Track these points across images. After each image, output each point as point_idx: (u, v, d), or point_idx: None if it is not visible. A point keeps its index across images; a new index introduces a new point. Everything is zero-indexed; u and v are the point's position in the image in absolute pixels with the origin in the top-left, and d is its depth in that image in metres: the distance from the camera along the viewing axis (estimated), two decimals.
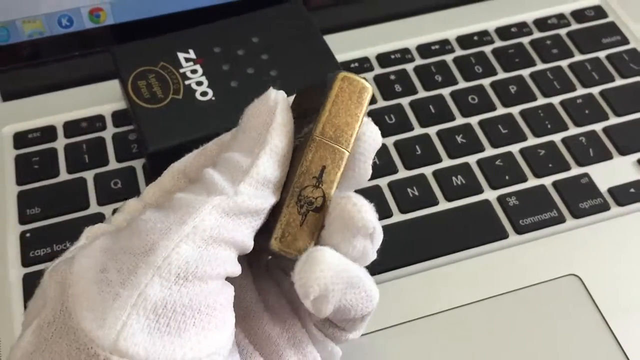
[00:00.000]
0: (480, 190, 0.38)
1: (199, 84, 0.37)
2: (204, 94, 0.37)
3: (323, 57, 0.39)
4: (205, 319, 0.21)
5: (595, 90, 0.43)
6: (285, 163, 0.24)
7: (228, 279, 0.23)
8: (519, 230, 0.36)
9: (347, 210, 0.23)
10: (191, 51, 0.39)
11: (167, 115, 0.36)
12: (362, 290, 0.24)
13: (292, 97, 0.27)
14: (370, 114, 0.41)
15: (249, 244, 0.23)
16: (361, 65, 0.44)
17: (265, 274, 0.28)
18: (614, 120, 0.42)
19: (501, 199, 0.37)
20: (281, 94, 0.25)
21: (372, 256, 0.24)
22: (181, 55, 0.39)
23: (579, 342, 0.32)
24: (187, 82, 0.37)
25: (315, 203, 0.24)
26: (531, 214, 0.37)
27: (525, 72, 0.44)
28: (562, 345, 0.32)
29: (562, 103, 0.42)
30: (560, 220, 0.37)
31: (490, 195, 0.38)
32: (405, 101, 0.42)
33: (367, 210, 0.23)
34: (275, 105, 0.25)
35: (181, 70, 0.38)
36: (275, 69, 0.38)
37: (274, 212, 0.24)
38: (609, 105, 0.42)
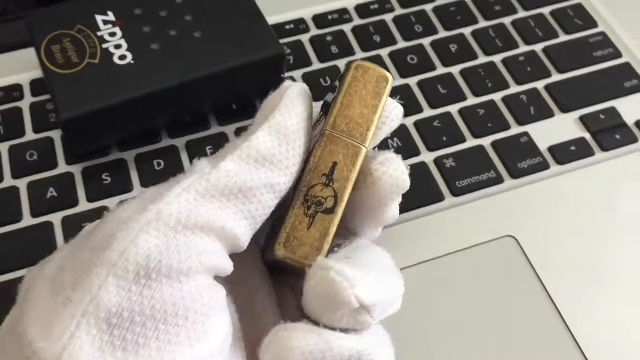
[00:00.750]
0: (417, 153, 0.37)
1: (118, 47, 0.35)
2: (122, 57, 0.35)
3: (252, 19, 0.37)
4: (173, 330, 0.18)
5: (538, 48, 0.42)
6: (297, 143, 0.21)
7: (238, 282, 0.21)
8: (456, 193, 0.35)
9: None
10: (110, 13, 0.37)
11: (82, 81, 0.34)
12: None
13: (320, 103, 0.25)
14: (305, 76, 0.39)
15: (237, 233, 0.20)
16: (297, 27, 0.42)
17: (291, 296, 0.25)
18: (556, 77, 0.40)
19: (438, 161, 0.36)
20: (297, 83, 0.23)
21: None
22: (99, 18, 0.36)
23: (516, 303, 0.31)
24: (104, 46, 0.35)
25: (325, 204, 0.21)
26: (468, 176, 0.36)
27: (467, 31, 0.42)
28: (499, 307, 0.31)
29: (504, 61, 0.41)
30: (499, 181, 0.36)
31: (427, 157, 0.36)
32: (342, 63, 0.40)
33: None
34: (286, 89, 0.22)
35: (99, 34, 0.36)
36: (199, 31, 0.36)
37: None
38: (552, 63, 0.41)
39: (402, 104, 0.24)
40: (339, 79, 0.24)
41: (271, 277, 0.25)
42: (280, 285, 0.25)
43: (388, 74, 0.22)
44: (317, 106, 0.24)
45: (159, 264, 0.18)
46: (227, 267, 0.20)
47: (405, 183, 0.23)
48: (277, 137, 0.21)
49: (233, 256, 0.21)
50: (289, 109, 0.22)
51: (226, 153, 0.21)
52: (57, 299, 0.18)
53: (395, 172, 0.22)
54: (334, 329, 0.20)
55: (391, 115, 0.24)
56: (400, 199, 0.23)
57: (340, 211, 0.21)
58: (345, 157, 0.21)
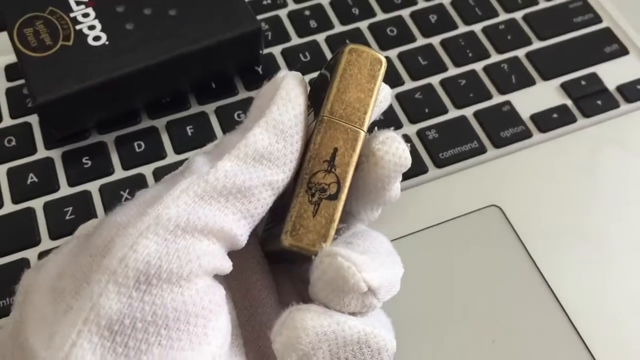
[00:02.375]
0: (399, 125, 0.36)
1: (91, 28, 0.34)
2: (96, 38, 0.34)
3: None
4: (175, 335, 0.18)
5: (518, 15, 0.41)
6: (294, 138, 0.21)
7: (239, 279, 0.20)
8: (439, 164, 0.35)
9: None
10: None
11: (56, 63, 0.33)
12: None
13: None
14: (284, 52, 0.39)
15: (237, 233, 0.20)
16: (274, 2, 0.41)
17: (291, 287, 0.25)
18: (537, 44, 0.40)
19: (421, 133, 0.36)
20: (292, 73, 0.22)
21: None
22: None
23: (502, 272, 0.32)
24: (78, 27, 0.34)
25: (328, 190, 0.21)
26: (451, 147, 0.35)
27: (446, 1, 0.42)
28: (485, 276, 0.31)
29: (484, 30, 0.40)
30: (481, 150, 0.36)
31: (409, 129, 0.36)
32: (321, 37, 0.40)
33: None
34: (281, 80, 0.22)
35: (72, 15, 0.35)
36: (174, 9, 0.35)
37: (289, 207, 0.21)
38: (532, 30, 0.41)
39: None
40: (330, 63, 0.23)
41: (269, 267, 0.25)
42: (278, 275, 0.25)
43: (382, 56, 0.22)
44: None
45: (159, 270, 0.18)
46: (226, 267, 0.20)
47: (407, 160, 0.23)
48: (274, 133, 0.21)
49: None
50: (285, 102, 0.21)
51: (223, 151, 0.20)
52: (57, 307, 0.17)
53: (397, 151, 0.22)
54: (341, 313, 0.20)
55: (379, 96, 0.23)
56: (400, 178, 0.23)
57: (343, 196, 0.21)
58: (345, 142, 0.21)
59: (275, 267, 0.25)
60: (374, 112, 0.23)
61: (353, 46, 0.22)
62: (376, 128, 0.25)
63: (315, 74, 0.38)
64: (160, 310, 0.18)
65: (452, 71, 0.39)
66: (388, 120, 0.36)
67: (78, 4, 0.35)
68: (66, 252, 0.19)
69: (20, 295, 0.20)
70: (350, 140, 0.21)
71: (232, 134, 0.22)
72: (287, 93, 0.21)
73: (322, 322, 0.19)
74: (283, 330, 0.19)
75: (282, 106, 0.21)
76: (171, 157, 0.35)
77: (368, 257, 0.21)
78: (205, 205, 0.19)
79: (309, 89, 0.24)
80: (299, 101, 0.22)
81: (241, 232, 0.20)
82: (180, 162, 0.34)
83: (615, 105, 0.37)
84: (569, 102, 0.38)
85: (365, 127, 0.22)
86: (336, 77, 0.22)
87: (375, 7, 0.41)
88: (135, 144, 0.35)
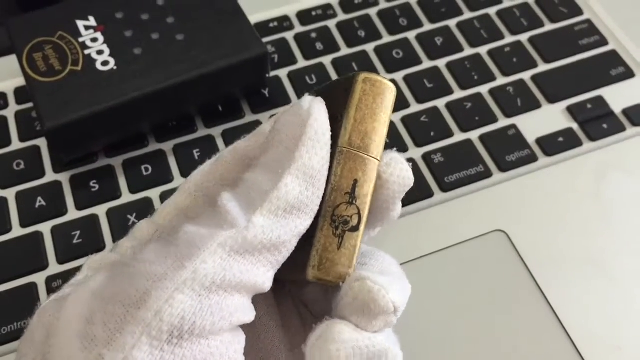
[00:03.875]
0: (405, 149, 0.36)
1: (100, 53, 0.35)
2: (105, 63, 0.34)
3: (234, 18, 0.37)
4: None
5: (523, 37, 0.41)
6: (321, 181, 0.21)
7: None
8: (445, 188, 0.35)
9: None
10: (91, 18, 0.36)
11: (65, 88, 0.33)
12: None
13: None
14: (290, 74, 0.39)
15: (266, 285, 0.20)
16: (281, 25, 0.42)
17: (293, 307, 0.25)
18: (543, 67, 0.40)
19: (426, 157, 0.36)
20: (318, 101, 0.22)
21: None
22: (80, 24, 0.36)
23: (507, 297, 0.32)
24: (86, 52, 0.35)
25: (351, 222, 0.21)
26: (457, 170, 0.36)
27: (452, 23, 0.42)
28: (490, 302, 0.31)
29: (489, 52, 0.41)
30: (487, 174, 0.36)
31: (415, 153, 0.36)
32: (327, 60, 0.40)
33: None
34: (308, 115, 0.21)
35: (80, 40, 0.35)
36: (182, 34, 0.36)
37: (306, 237, 0.22)
38: (538, 52, 0.41)
39: None
40: (340, 84, 0.23)
41: (272, 291, 0.25)
42: (279, 295, 0.25)
43: (393, 85, 0.23)
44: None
45: (193, 326, 0.18)
46: (250, 317, 0.20)
47: (411, 181, 0.23)
48: (304, 180, 0.20)
49: None
50: (314, 143, 0.21)
51: (253, 201, 0.20)
52: (89, 355, 0.18)
53: (401, 172, 0.23)
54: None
55: None
56: (403, 196, 0.24)
57: (363, 227, 0.22)
58: (363, 173, 0.22)
59: (277, 289, 0.25)
60: None
61: (367, 75, 0.22)
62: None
63: None
64: None
65: (458, 94, 0.39)
66: (394, 143, 0.36)
67: (87, 28, 0.36)
68: (90, 292, 0.19)
69: (38, 333, 0.20)
70: (369, 171, 0.22)
71: (259, 169, 0.21)
72: (316, 132, 0.21)
73: (357, 337, 0.20)
74: (321, 343, 0.20)
75: (312, 148, 0.21)
76: (178, 181, 0.35)
77: (388, 279, 0.22)
78: (240, 259, 0.19)
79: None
80: (327, 138, 0.21)
81: (269, 282, 0.20)
82: None
83: (622, 128, 0.37)
84: (574, 126, 0.38)
85: (380, 156, 0.22)
86: (352, 107, 0.22)
87: (382, 29, 0.42)
88: (143, 167, 0.35)
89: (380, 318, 0.21)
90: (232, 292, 0.19)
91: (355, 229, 0.21)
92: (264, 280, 0.20)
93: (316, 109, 0.21)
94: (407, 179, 0.23)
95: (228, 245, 0.19)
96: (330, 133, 0.22)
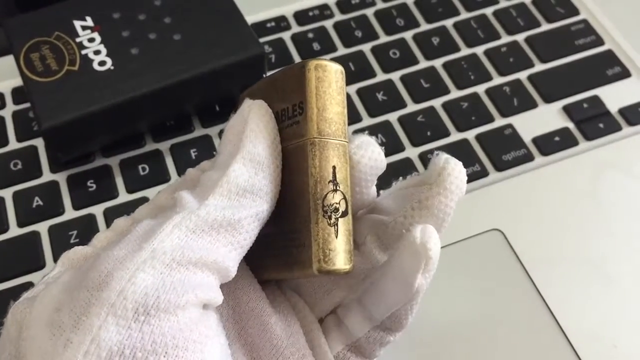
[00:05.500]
0: (401, 148, 0.37)
1: (97, 53, 0.35)
2: (102, 63, 0.35)
3: (231, 18, 0.37)
4: None
5: (520, 37, 0.42)
6: (271, 167, 0.22)
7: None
8: None
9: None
10: (88, 18, 0.36)
11: (62, 88, 0.33)
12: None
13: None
14: None
15: (228, 265, 0.20)
16: (278, 25, 0.42)
17: (280, 293, 0.26)
18: (539, 67, 0.40)
19: (423, 156, 0.36)
20: (257, 102, 0.23)
21: None
22: (77, 24, 0.36)
23: (503, 296, 0.32)
24: (83, 52, 0.35)
25: (340, 208, 0.22)
26: None
27: (449, 23, 0.42)
28: (487, 300, 0.31)
29: (486, 52, 0.41)
30: (484, 174, 0.36)
31: (411, 152, 0.36)
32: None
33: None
34: (248, 112, 0.22)
35: (77, 40, 0.35)
36: (179, 33, 0.36)
37: (274, 240, 0.23)
38: (534, 52, 0.41)
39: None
40: (288, 72, 0.23)
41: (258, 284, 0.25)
42: (266, 285, 0.26)
43: (341, 66, 0.23)
44: None
45: (157, 300, 0.18)
46: (219, 299, 0.21)
47: (383, 163, 0.23)
48: (251, 166, 0.21)
49: None
50: (256, 134, 0.22)
51: (206, 189, 0.21)
52: (57, 342, 0.18)
53: (372, 154, 0.23)
54: None
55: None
56: (376, 181, 0.24)
57: (351, 210, 0.22)
58: (338, 158, 0.22)
59: (282, 301, 0.26)
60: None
61: (317, 62, 0.22)
62: (351, 133, 0.25)
63: None
64: (159, 338, 0.18)
65: (454, 94, 0.39)
66: (390, 142, 0.36)
67: (84, 28, 0.36)
68: (61, 285, 0.20)
69: (12, 328, 0.20)
70: (342, 154, 0.22)
71: (211, 172, 0.22)
72: (257, 124, 0.22)
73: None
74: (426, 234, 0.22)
75: (255, 137, 0.22)
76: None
77: None
78: (197, 238, 0.20)
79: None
80: (269, 129, 0.22)
81: (232, 264, 0.21)
82: None
83: (618, 128, 0.38)
84: (571, 125, 0.38)
85: (347, 138, 0.23)
86: (311, 96, 0.22)
87: (379, 29, 0.42)
88: (140, 167, 0.35)
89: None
90: (194, 270, 0.19)
91: (345, 213, 0.22)
92: (225, 260, 0.20)
93: (255, 107, 0.23)
94: (378, 161, 0.23)
95: (183, 225, 0.20)
96: (273, 124, 0.23)
